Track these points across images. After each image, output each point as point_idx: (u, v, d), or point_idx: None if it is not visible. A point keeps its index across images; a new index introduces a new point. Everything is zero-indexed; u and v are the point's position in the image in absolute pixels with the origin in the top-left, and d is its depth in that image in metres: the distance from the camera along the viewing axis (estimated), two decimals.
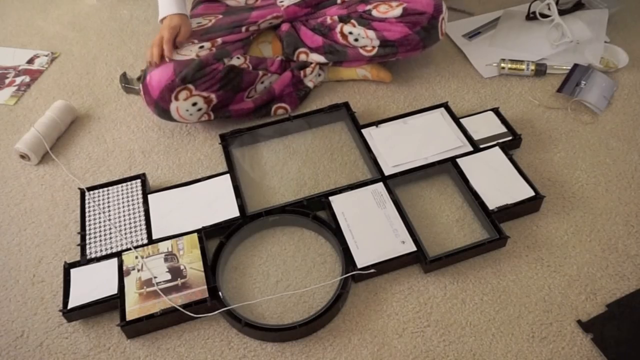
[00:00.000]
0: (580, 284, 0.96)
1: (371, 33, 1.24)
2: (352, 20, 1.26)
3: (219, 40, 1.24)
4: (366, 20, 1.25)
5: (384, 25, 1.24)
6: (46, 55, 1.55)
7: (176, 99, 1.15)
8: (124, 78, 1.38)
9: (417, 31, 1.24)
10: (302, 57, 1.31)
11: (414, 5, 1.23)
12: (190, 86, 1.15)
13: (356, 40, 1.26)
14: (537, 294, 0.95)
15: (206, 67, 1.17)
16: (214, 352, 0.90)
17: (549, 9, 1.47)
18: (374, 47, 1.26)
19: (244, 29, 1.27)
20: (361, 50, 1.27)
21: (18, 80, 1.48)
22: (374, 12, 1.25)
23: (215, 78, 1.18)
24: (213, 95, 1.19)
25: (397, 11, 1.23)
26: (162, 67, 1.15)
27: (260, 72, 1.27)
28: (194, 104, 1.17)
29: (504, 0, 1.62)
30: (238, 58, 1.24)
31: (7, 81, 1.47)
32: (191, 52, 1.19)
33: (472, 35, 1.51)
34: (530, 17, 1.50)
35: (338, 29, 1.26)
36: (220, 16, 1.30)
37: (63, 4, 1.76)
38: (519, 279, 0.97)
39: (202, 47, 1.21)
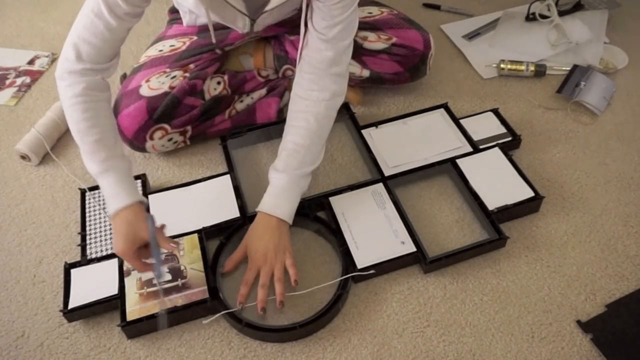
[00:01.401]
0: (580, 284, 0.96)
1: (360, 65, 1.22)
2: None
3: (192, 65, 1.18)
4: (357, 54, 1.20)
5: (375, 60, 1.22)
6: (47, 56, 1.55)
7: (151, 138, 1.13)
8: (124, 79, 1.38)
9: (408, 69, 1.23)
10: (288, 72, 1.28)
11: (402, 40, 1.21)
12: (166, 126, 1.13)
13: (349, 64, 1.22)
14: (536, 294, 0.95)
15: (182, 103, 1.13)
16: (214, 353, 0.90)
17: (549, 9, 1.47)
18: (362, 76, 1.24)
19: (218, 50, 1.22)
20: (349, 76, 1.21)
21: (19, 81, 1.48)
22: (365, 45, 1.21)
23: (193, 114, 1.14)
24: (189, 127, 1.16)
25: (387, 44, 1.20)
26: (133, 106, 1.11)
27: (237, 96, 1.22)
28: (170, 139, 1.15)
29: (504, 1, 1.63)
30: (218, 83, 1.20)
31: (7, 82, 1.48)
32: (163, 84, 1.13)
33: (471, 36, 1.51)
34: (530, 18, 1.50)
35: None
36: (195, 37, 1.23)
37: (63, 5, 1.76)
38: (519, 279, 0.97)
39: (174, 77, 1.15)
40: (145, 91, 1.13)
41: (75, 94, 0.90)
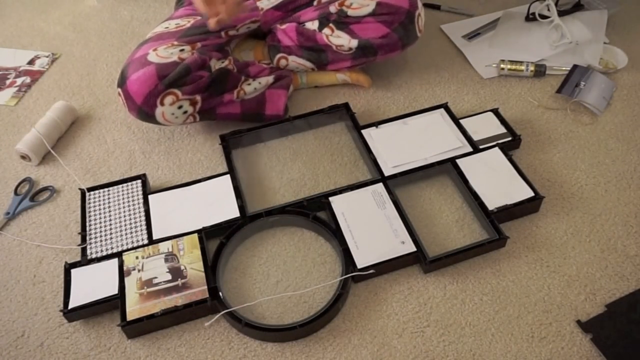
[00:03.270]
0: (580, 284, 0.96)
1: (348, 36, 1.22)
2: (330, 25, 1.23)
3: (199, 44, 1.19)
4: (343, 23, 1.22)
5: (361, 26, 1.22)
6: (47, 56, 1.55)
7: (162, 103, 1.12)
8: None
9: (395, 29, 1.22)
10: (282, 62, 1.29)
11: (388, 0, 1.21)
12: (177, 91, 1.12)
13: (336, 37, 1.23)
14: (536, 294, 0.95)
15: (191, 74, 1.13)
16: (214, 352, 0.90)
17: (549, 9, 1.47)
18: (351, 48, 1.23)
19: (223, 33, 1.23)
20: (339, 50, 1.24)
21: (19, 81, 1.48)
22: (350, 12, 1.21)
23: (202, 82, 1.14)
24: (198, 97, 1.15)
25: (371, 7, 1.20)
26: (142, 70, 1.10)
27: (243, 77, 1.23)
28: (180, 107, 1.14)
29: (504, 2, 1.63)
30: (222, 62, 1.20)
31: (7, 82, 1.48)
32: (172, 54, 1.14)
33: (471, 36, 1.51)
34: (530, 18, 1.50)
35: (318, 32, 1.25)
36: (199, 17, 1.25)
37: (63, 5, 1.76)
38: (519, 279, 0.97)
39: (182, 49, 1.16)
40: (153, 58, 1.12)
41: None
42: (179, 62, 1.13)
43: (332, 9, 1.24)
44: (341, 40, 1.23)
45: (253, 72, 1.27)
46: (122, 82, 1.13)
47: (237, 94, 1.21)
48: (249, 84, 1.23)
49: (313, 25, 1.26)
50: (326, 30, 1.24)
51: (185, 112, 1.16)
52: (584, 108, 1.28)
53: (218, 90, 1.18)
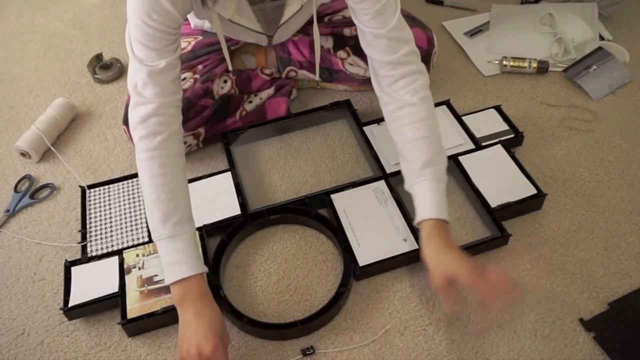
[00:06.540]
0: (583, 282, 0.95)
1: (365, 65, 1.21)
2: (347, 48, 1.22)
3: (200, 66, 1.18)
4: (361, 51, 1.18)
5: None
6: None
7: None
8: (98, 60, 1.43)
9: None
10: (292, 74, 1.27)
11: None
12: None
13: (351, 64, 1.23)
14: (539, 292, 0.94)
15: (194, 105, 1.12)
16: None
17: (551, 15, 1.45)
18: (365, 76, 1.23)
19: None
20: (352, 75, 1.24)
21: None
22: None
23: (204, 115, 1.13)
24: (202, 129, 1.15)
25: None
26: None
27: (245, 96, 1.22)
28: (184, 142, 1.11)
29: None
30: (225, 82, 1.19)
31: None
32: None
33: (473, 33, 1.50)
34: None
35: (333, 55, 1.23)
36: (200, 37, 1.23)
37: (64, 2, 1.76)
38: (521, 277, 0.96)
39: (184, 78, 1.14)
40: None
41: (151, 148, 0.85)
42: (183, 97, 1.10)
43: (347, 32, 1.22)
44: (357, 69, 1.23)
45: (255, 87, 1.25)
46: (126, 119, 1.10)
47: (239, 114, 1.20)
48: (250, 102, 1.22)
49: (327, 42, 1.23)
50: (341, 53, 1.22)
51: (189, 145, 1.16)
52: (587, 104, 1.27)
53: (221, 118, 1.18)
